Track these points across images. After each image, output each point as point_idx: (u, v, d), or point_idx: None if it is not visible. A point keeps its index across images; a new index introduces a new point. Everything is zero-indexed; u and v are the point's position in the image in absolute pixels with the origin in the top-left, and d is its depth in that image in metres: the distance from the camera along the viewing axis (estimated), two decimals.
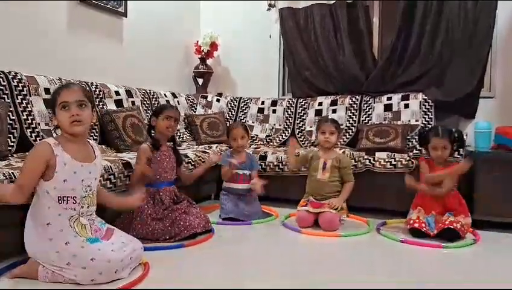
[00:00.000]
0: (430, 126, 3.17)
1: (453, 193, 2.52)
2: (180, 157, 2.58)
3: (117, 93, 3.17)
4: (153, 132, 2.51)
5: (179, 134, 3.56)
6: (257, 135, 3.88)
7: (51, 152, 1.65)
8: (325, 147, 2.74)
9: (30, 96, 2.51)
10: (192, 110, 4.03)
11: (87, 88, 2.88)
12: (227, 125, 3.68)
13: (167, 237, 2.21)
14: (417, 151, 2.99)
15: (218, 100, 4.15)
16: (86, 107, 1.73)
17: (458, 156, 2.74)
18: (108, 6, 3.36)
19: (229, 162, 2.76)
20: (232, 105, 4.12)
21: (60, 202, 1.67)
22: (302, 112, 3.83)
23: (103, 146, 2.81)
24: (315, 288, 1.71)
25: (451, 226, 2.32)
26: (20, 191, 1.63)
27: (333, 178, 2.70)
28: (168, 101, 3.68)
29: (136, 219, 2.24)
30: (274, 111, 3.95)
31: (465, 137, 2.75)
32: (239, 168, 2.80)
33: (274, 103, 3.98)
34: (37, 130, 2.47)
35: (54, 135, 1.99)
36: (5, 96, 2.38)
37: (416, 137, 2.93)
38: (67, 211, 1.68)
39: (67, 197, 1.68)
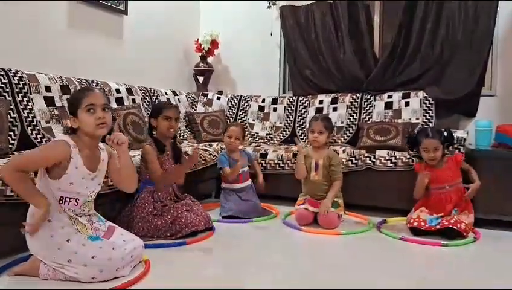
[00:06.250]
0: (419, 128, 3.12)
1: (460, 188, 2.51)
2: (181, 155, 2.51)
3: (118, 91, 3.17)
4: (154, 132, 2.44)
5: (179, 132, 3.56)
6: (258, 133, 3.88)
7: (68, 154, 1.65)
8: (314, 146, 2.71)
9: (31, 94, 2.51)
10: (193, 108, 4.03)
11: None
12: (228, 123, 3.67)
13: (168, 234, 2.22)
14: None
15: (218, 98, 4.14)
16: (108, 110, 1.76)
17: (456, 150, 2.75)
18: (109, 4, 3.36)
19: (236, 165, 2.74)
20: (233, 103, 4.11)
21: (60, 202, 1.68)
22: (303, 110, 3.83)
23: (103, 143, 2.80)
24: (315, 288, 1.71)
25: (455, 227, 2.31)
26: (21, 175, 1.60)
27: (326, 177, 2.68)
28: (168, 99, 3.68)
29: (136, 217, 2.24)
30: (275, 109, 3.94)
31: (456, 135, 2.74)
32: (244, 166, 2.85)
33: (275, 101, 3.98)
34: (37, 127, 2.47)
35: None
36: (6, 94, 2.38)
37: (406, 140, 2.78)
38: (68, 211, 1.70)
39: (70, 198, 1.70)
